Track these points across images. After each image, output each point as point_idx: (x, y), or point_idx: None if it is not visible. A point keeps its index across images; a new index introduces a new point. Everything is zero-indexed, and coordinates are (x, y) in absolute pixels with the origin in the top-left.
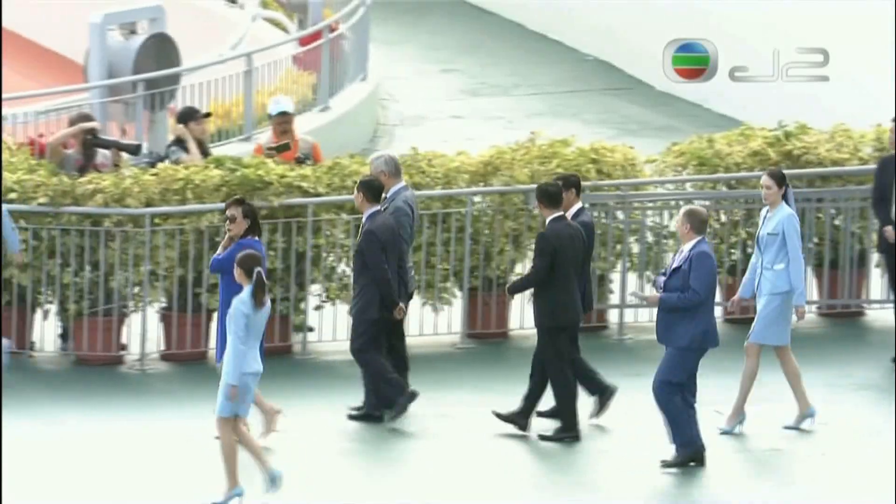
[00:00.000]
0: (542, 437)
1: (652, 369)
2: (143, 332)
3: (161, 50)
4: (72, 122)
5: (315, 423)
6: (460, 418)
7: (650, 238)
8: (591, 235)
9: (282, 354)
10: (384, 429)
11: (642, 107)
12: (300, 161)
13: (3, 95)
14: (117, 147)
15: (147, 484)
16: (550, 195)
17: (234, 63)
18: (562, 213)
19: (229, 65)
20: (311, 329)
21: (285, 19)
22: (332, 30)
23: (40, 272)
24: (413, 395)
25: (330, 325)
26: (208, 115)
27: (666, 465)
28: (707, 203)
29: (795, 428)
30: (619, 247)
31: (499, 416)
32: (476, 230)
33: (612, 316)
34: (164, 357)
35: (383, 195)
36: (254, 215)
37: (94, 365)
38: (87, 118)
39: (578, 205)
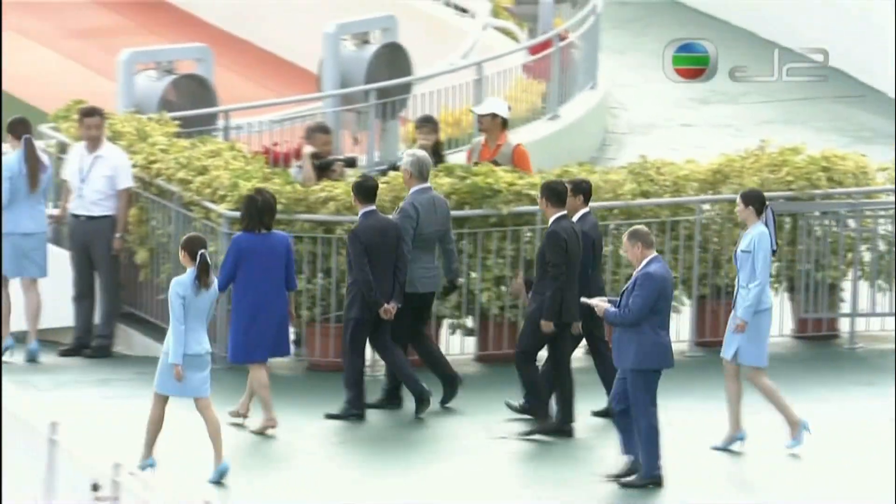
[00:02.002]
0: (523, 435)
1: (884, 379)
2: None
3: (393, 59)
4: (307, 134)
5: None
6: (688, 426)
7: (882, 246)
8: (596, 241)
9: (509, 361)
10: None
11: (875, 114)
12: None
13: (239, 105)
14: (336, 162)
15: (390, 488)
16: (558, 193)
17: (464, 72)
18: (565, 212)
19: (460, 73)
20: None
21: (516, 28)
22: (562, 38)
23: None
24: (362, 413)
25: None
26: (433, 127)
27: (625, 485)
28: None
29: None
30: (850, 255)
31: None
32: (705, 238)
33: (844, 325)
34: None
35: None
36: (257, 207)
37: (327, 371)
38: (322, 129)
39: (585, 210)
